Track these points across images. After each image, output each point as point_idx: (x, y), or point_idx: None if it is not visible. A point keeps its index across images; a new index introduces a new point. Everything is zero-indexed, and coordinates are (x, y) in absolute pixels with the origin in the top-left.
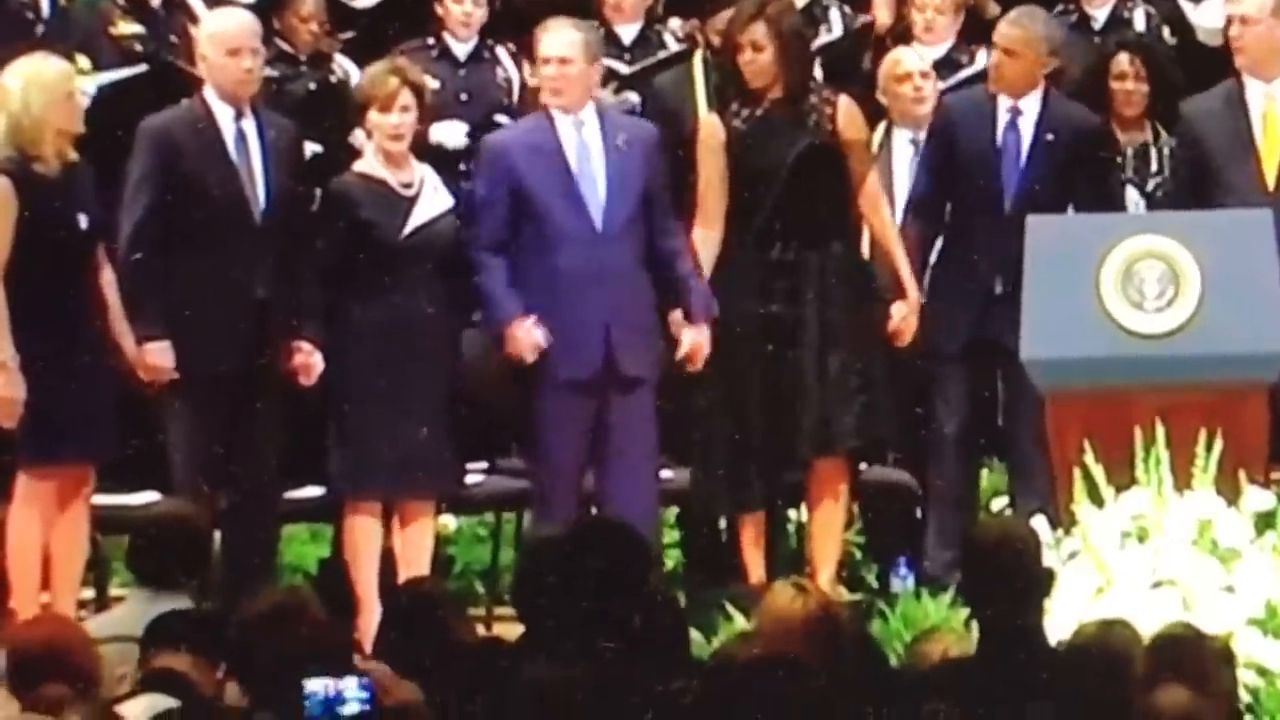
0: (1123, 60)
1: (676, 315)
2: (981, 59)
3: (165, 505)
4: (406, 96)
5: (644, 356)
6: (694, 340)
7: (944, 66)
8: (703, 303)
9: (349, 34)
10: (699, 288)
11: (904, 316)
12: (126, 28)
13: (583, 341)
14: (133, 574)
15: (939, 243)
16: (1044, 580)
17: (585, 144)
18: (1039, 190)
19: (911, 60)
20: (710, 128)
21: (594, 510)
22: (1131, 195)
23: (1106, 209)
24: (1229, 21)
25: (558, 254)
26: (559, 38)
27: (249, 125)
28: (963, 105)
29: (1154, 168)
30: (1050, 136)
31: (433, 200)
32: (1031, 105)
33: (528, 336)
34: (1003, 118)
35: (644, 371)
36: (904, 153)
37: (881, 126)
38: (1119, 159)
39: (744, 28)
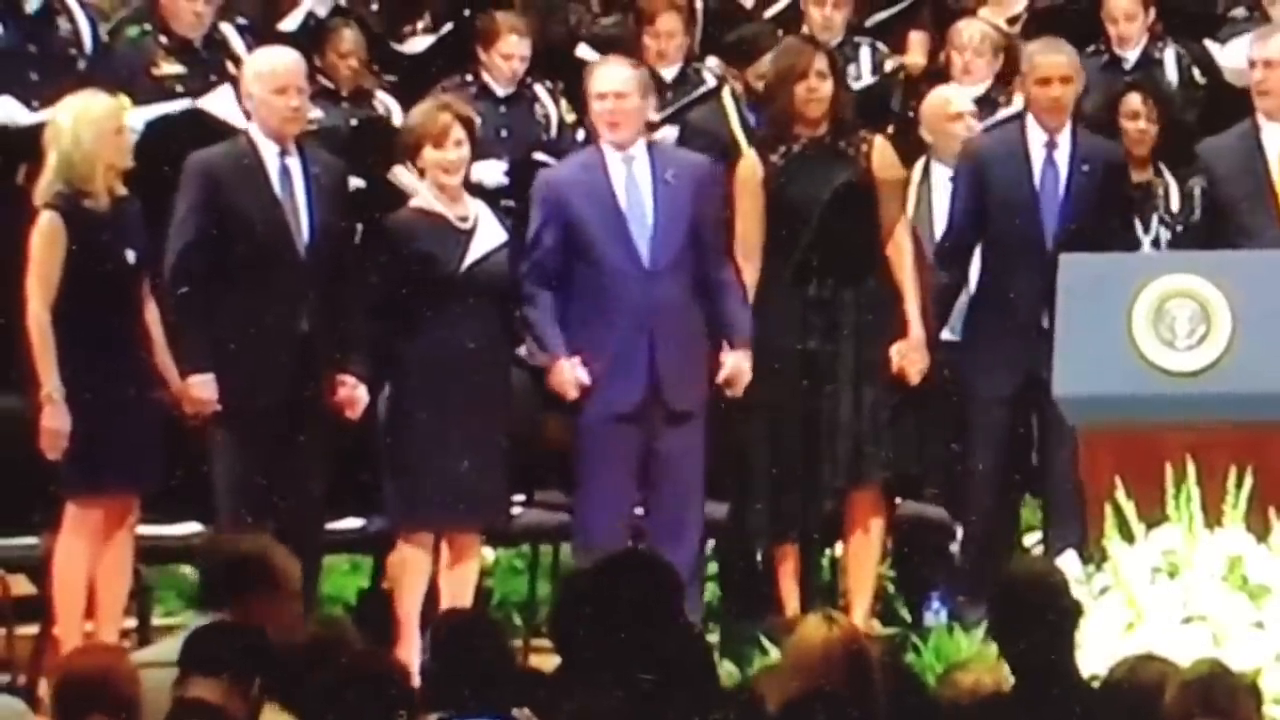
0: (1134, 99)
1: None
2: (1019, 100)
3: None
4: (459, 131)
5: (691, 390)
6: (735, 365)
7: (982, 106)
8: (747, 332)
9: (393, 77)
10: (745, 318)
11: (904, 355)
12: (169, 68)
13: (629, 374)
14: (200, 603)
15: (974, 284)
16: (1073, 615)
17: (635, 180)
18: (1079, 223)
19: (962, 100)
20: (749, 165)
21: (635, 543)
22: (1147, 233)
23: (1129, 242)
24: (1252, 65)
25: (606, 289)
26: (615, 73)
27: (293, 162)
28: (995, 145)
29: (1161, 207)
30: (1085, 168)
31: (488, 234)
32: (1064, 138)
33: (572, 373)
34: (1038, 153)
35: (691, 405)
36: (944, 189)
37: (920, 163)
38: (1136, 196)
39: (810, 59)
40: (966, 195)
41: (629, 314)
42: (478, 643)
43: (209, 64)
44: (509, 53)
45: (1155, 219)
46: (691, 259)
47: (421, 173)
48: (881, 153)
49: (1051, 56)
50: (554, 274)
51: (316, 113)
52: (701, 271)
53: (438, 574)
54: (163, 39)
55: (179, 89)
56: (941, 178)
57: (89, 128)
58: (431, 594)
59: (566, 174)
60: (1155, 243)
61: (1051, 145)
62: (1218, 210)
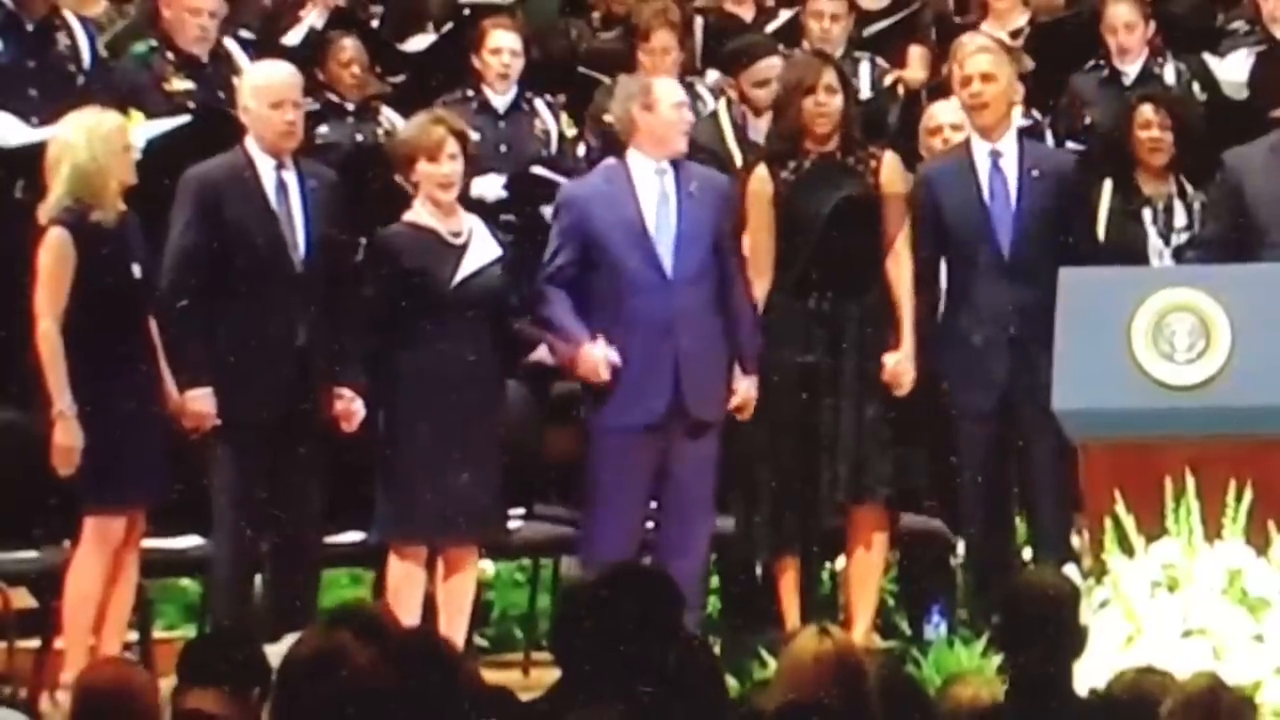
0: (1147, 110)
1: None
2: (1017, 114)
3: None
4: (453, 145)
5: (712, 400)
6: (747, 391)
7: None
8: (756, 353)
9: (396, 78)
10: (756, 342)
11: (896, 364)
12: (180, 84)
13: (652, 386)
14: None
15: (944, 301)
16: (1079, 635)
17: (663, 192)
18: (1033, 229)
19: (943, 114)
20: (760, 180)
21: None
22: (1156, 246)
23: (1095, 249)
24: None
25: (629, 300)
26: (679, 87)
27: (289, 175)
28: (940, 166)
29: (1180, 221)
30: (1035, 173)
31: (482, 249)
32: (1009, 146)
33: (601, 353)
34: (984, 164)
35: (711, 415)
36: None
37: None
38: (1145, 210)
39: (820, 73)
40: (922, 216)
41: (652, 324)
42: (432, 662)
43: (214, 79)
44: (497, 46)
45: (1172, 233)
46: (713, 272)
47: (415, 187)
48: (891, 168)
49: (970, 56)
50: (572, 286)
51: (322, 129)
52: (721, 286)
53: (434, 588)
54: (169, 55)
55: (190, 105)
56: None
57: (101, 144)
58: (431, 608)
59: (590, 187)
60: (1176, 255)
61: (996, 154)
62: (1244, 220)
